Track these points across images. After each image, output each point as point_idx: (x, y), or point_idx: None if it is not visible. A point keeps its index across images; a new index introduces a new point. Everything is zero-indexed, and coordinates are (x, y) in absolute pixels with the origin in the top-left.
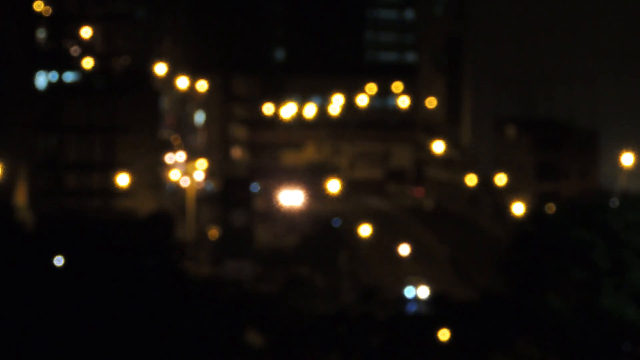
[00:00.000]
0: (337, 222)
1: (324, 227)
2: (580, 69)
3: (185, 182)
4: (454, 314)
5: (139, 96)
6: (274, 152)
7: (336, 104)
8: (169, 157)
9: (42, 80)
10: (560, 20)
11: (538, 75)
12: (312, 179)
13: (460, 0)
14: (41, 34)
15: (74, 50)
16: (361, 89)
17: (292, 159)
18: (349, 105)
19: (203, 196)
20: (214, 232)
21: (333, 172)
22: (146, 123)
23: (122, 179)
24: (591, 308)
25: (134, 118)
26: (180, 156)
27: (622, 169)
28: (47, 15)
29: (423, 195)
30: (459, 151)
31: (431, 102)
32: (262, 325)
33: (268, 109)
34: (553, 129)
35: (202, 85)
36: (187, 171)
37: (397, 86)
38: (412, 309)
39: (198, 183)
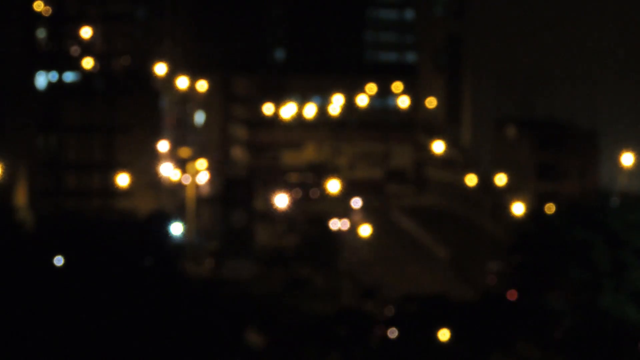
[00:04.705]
0: None
1: (324, 227)
2: (580, 69)
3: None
4: (454, 314)
5: (139, 96)
6: (274, 152)
7: (336, 104)
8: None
9: (42, 80)
10: (560, 20)
11: (538, 75)
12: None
13: (460, 0)
14: (41, 34)
15: (74, 50)
16: (361, 89)
17: (292, 159)
18: (349, 105)
19: (203, 196)
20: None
21: (333, 172)
22: (146, 123)
23: (122, 179)
24: (591, 308)
25: (134, 118)
26: (203, 175)
27: (622, 169)
28: (47, 15)
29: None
30: (459, 151)
31: (431, 102)
32: (262, 325)
33: (268, 109)
34: (553, 129)
35: (202, 85)
36: (188, 171)
37: (397, 86)
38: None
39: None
